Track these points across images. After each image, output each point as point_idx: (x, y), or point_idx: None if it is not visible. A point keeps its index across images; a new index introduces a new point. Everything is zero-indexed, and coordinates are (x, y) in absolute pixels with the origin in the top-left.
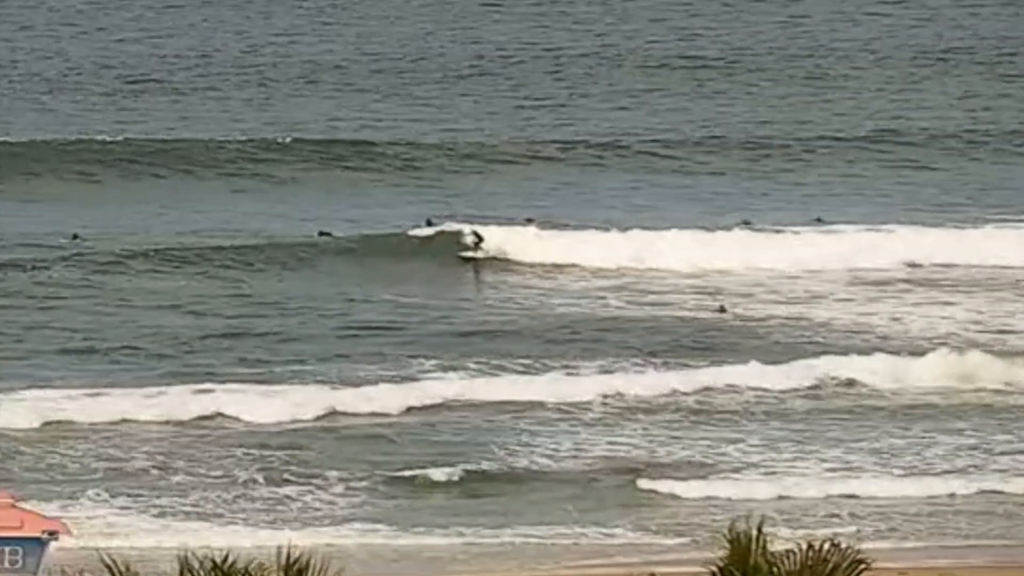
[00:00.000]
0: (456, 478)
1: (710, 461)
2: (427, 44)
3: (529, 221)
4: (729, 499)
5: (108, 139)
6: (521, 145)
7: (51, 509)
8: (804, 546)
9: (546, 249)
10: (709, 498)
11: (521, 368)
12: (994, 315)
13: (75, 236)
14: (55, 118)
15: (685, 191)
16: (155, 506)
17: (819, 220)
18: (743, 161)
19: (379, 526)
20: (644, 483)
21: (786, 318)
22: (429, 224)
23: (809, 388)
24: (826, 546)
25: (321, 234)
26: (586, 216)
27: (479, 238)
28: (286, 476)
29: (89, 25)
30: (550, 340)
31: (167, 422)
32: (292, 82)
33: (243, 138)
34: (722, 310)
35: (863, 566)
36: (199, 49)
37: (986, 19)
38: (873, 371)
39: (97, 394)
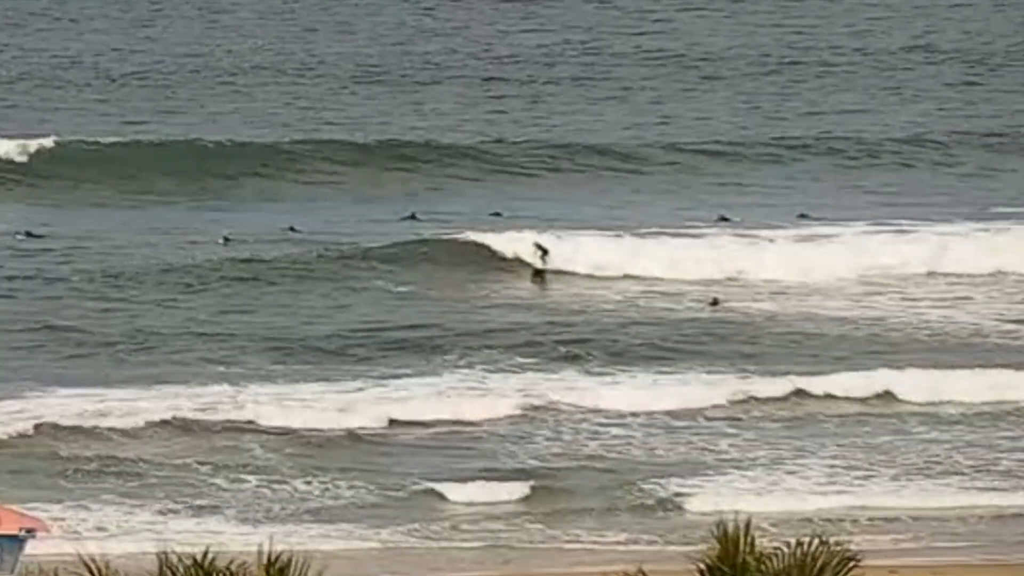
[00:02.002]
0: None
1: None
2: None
3: (497, 216)
4: None
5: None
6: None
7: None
8: (793, 543)
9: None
10: None
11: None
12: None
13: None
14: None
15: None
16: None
17: (803, 216)
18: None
19: (366, 526)
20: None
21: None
22: (413, 218)
23: None
24: (815, 543)
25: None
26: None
27: (544, 250)
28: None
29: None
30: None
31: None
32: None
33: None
34: (715, 303)
35: (853, 563)
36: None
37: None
38: None
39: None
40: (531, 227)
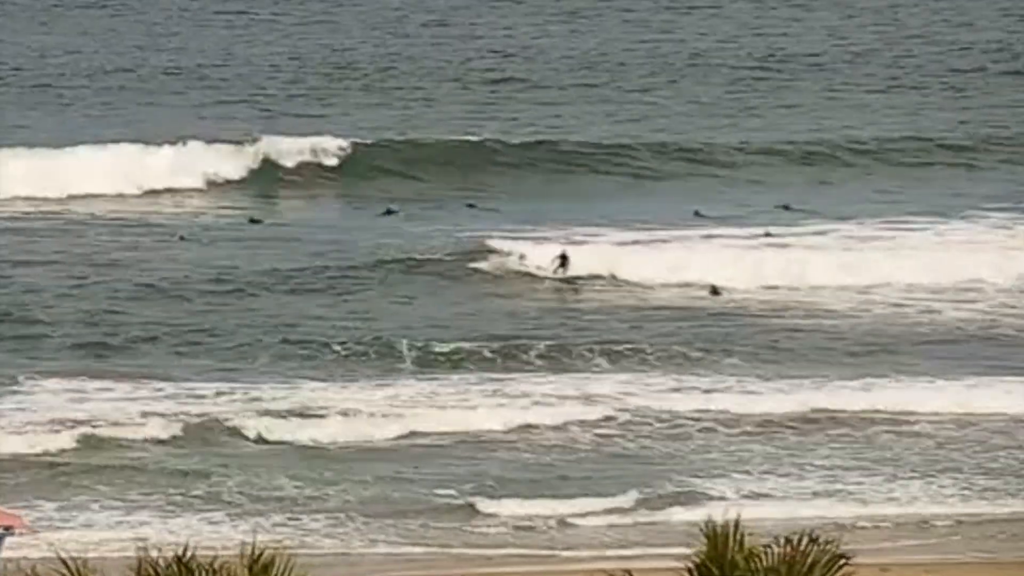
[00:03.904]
0: None
1: None
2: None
3: (471, 207)
4: None
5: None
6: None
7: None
8: (782, 541)
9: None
10: None
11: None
12: None
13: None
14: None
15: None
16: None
17: (785, 207)
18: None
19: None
20: None
21: None
22: (388, 213)
23: None
24: (804, 540)
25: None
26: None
27: (564, 259)
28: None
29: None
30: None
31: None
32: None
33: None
34: (715, 292)
35: (843, 561)
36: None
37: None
38: None
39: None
40: (543, 231)
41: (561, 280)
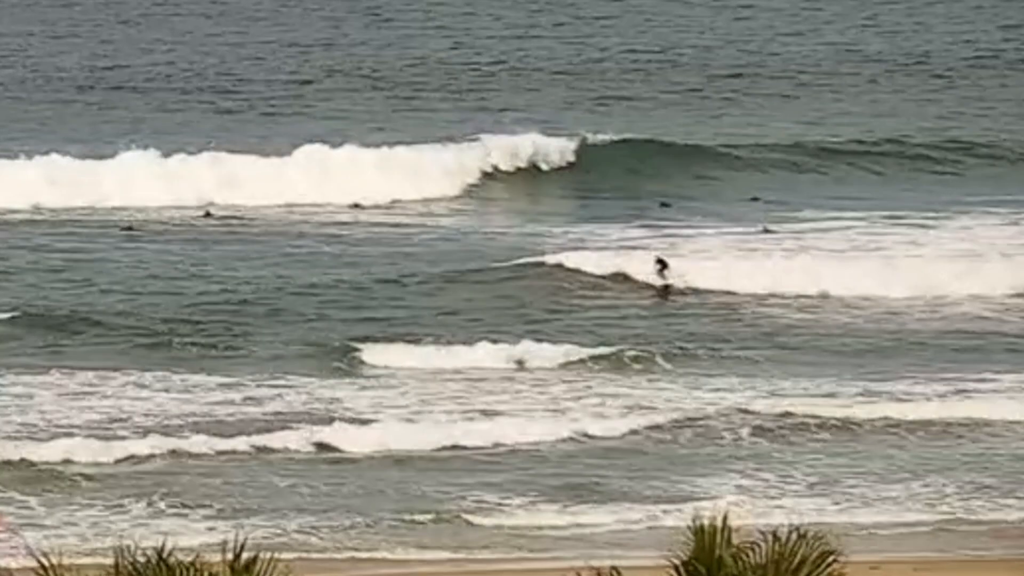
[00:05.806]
0: None
1: None
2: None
3: (454, 199)
4: None
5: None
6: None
7: None
8: (770, 538)
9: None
10: None
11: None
12: None
13: None
14: None
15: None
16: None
17: (755, 199)
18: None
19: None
20: None
21: None
22: (356, 206)
23: None
24: (793, 537)
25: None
26: None
27: (663, 264)
28: None
29: None
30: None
31: None
32: None
33: None
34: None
35: (832, 558)
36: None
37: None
38: None
39: None
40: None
41: (663, 288)
